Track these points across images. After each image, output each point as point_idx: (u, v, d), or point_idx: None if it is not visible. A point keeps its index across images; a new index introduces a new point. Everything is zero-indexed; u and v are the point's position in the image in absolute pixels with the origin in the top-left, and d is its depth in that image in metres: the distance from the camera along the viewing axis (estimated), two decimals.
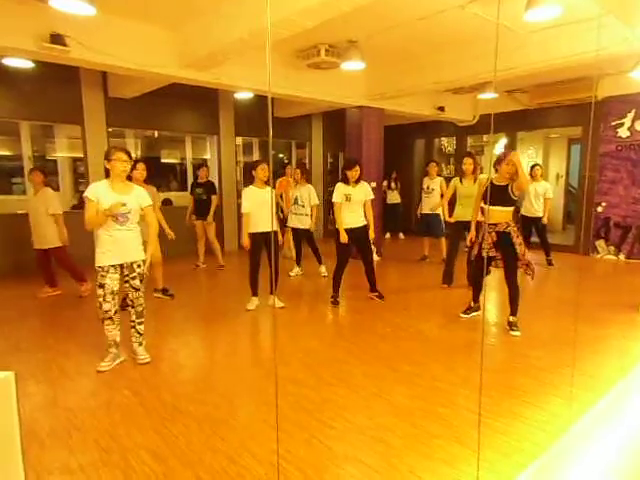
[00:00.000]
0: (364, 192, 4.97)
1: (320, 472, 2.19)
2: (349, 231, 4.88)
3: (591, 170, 7.97)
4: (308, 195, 6.27)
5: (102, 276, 3.31)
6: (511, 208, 4.11)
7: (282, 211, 7.17)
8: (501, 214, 4.05)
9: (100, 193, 3.23)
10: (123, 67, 4.95)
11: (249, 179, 4.85)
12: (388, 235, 10.15)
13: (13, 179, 7.35)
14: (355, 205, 4.92)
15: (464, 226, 5.57)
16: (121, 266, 3.36)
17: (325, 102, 7.29)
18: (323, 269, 6.45)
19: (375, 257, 6.22)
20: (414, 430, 2.55)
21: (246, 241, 4.68)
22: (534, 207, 6.93)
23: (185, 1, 4.46)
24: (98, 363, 3.41)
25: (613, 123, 7.65)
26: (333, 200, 4.95)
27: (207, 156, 8.92)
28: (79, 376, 3.31)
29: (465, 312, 4.60)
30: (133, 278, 3.39)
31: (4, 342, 3.99)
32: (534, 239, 7.15)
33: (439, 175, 7.49)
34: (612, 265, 7.43)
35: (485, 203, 4.27)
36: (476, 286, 4.60)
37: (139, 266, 3.40)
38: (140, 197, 3.40)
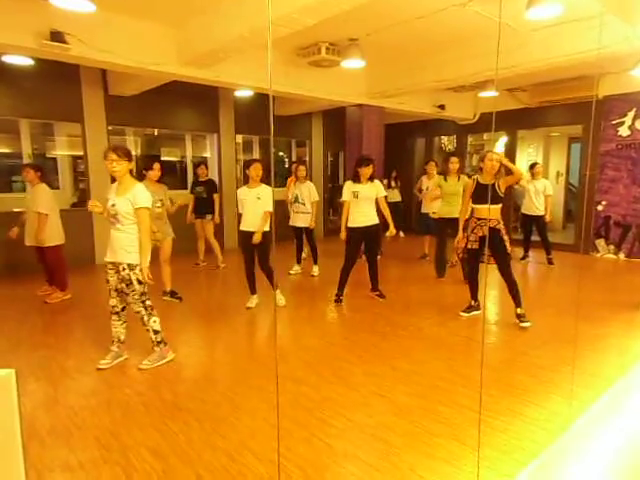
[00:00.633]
0: (375, 190, 4.95)
1: (320, 470, 2.20)
2: (357, 230, 4.90)
3: (591, 169, 7.97)
4: (308, 192, 6.27)
5: (106, 272, 3.38)
6: (499, 206, 4.30)
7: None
8: (490, 212, 4.19)
9: (110, 192, 3.35)
10: (123, 65, 4.94)
11: (246, 177, 4.86)
12: (388, 234, 10.14)
13: (13, 177, 7.34)
14: (363, 202, 4.90)
15: (449, 222, 5.86)
16: (115, 265, 3.32)
17: (325, 100, 7.28)
18: (315, 269, 6.46)
19: None
20: (414, 428, 2.55)
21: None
22: (535, 205, 6.92)
23: None
24: (103, 353, 3.43)
25: (614, 122, 7.64)
26: (342, 198, 4.99)
27: (207, 154, 8.90)
28: (80, 374, 3.31)
29: (465, 311, 4.61)
30: (121, 281, 3.31)
31: (5, 340, 3.99)
32: (535, 237, 7.15)
33: (439, 174, 7.49)
34: (612, 264, 7.44)
35: (473, 202, 4.36)
36: (472, 284, 4.61)
37: (124, 269, 3.25)
38: (134, 198, 3.23)
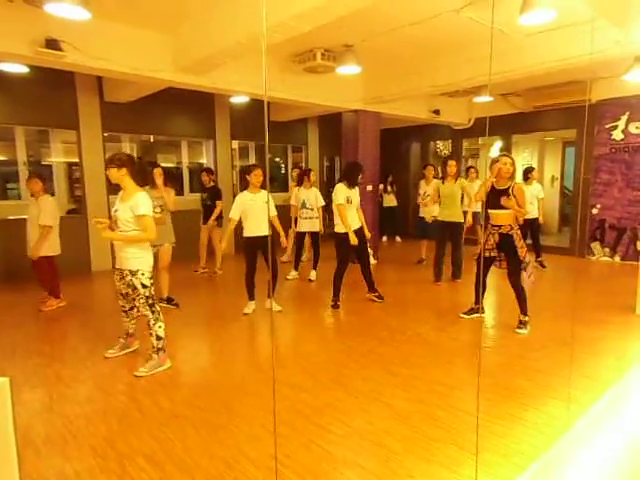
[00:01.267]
0: (358, 195, 5.15)
1: (319, 477, 2.18)
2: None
3: (586, 172, 8.02)
4: (315, 198, 6.36)
5: (114, 277, 3.53)
6: (510, 211, 4.17)
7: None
8: (503, 216, 4.16)
9: (117, 198, 3.44)
10: (118, 71, 4.94)
11: (245, 183, 4.85)
12: (385, 238, 10.16)
13: (8, 184, 7.31)
14: (353, 207, 5.06)
15: (446, 225, 5.98)
16: (121, 271, 3.43)
17: (321, 106, 7.30)
18: (313, 274, 6.46)
19: (372, 260, 6.23)
20: (413, 434, 2.54)
21: (225, 245, 4.74)
22: (529, 209, 6.96)
23: (180, 5, 4.47)
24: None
25: (607, 126, 7.70)
26: (338, 202, 4.95)
27: (203, 160, 8.90)
28: (75, 382, 3.28)
29: (466, 312, 4.62)
30: (127, 286, 3.44)
31: None
32: (528, 241, 7.17)
33: (435, 178, 7.52)
34: (607, 267, 7.47)
35: (488, 208, 4.31)
36: (478, 288, 4.59)
37: (127, 275, 3.36)
38: (135, 206, 3.25)
